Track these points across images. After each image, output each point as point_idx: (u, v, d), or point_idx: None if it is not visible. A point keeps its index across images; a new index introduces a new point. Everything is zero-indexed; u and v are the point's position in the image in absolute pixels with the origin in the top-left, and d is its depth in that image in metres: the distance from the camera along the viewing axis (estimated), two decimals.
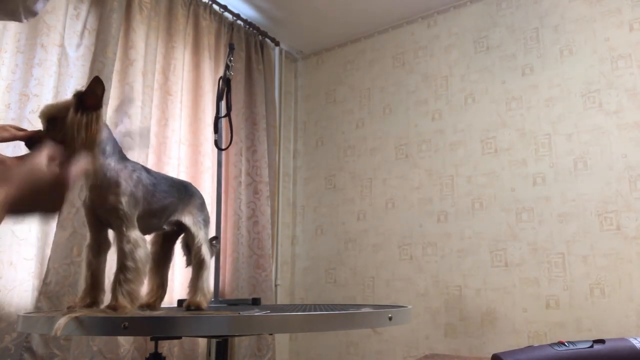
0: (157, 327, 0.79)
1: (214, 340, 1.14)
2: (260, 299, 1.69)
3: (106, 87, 1.88)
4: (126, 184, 0.94)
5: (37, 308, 1.61)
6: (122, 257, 0.91)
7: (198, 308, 1.06)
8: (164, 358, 1.42)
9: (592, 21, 2.22)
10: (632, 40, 2.11)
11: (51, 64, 1.79)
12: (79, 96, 0.86)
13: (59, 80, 1.81)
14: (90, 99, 0.86)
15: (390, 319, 0.91)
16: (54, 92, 1.78)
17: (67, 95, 1.84)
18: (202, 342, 2.12)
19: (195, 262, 1.09)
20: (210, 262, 1.13)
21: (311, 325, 0.86)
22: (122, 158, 0.98)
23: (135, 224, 0.94)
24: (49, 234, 1.72)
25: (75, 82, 1.89)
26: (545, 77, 2.30)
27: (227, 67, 1.76)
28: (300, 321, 0.84)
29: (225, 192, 2.46)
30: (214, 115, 1.84)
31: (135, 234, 0.92)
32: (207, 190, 2.31)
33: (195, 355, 2.08)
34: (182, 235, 1.15)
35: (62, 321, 0.74)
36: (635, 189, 1.99)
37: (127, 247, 0.90)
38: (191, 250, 1.11)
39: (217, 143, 1.77)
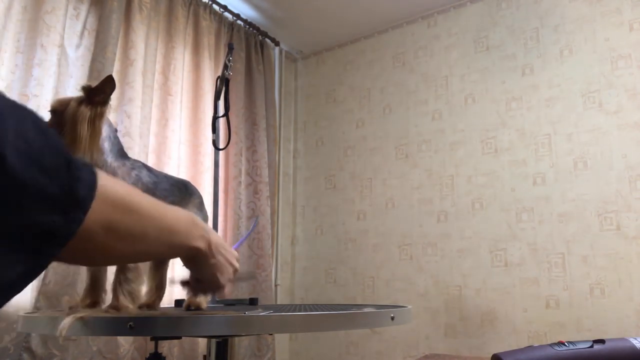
0: (163, 326, 0.78)
1: (214, 340, 1.14)
2: (257, 299, 1.69)
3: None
4: None
5: (36, 308, 1.61)
6: None
7: (198, 308, 1.06)
8: (164, 358, 1.41)
9: (592, 21, 2.22)
10: (632, 40, 2.11)
11: (51, 64, 1.79)
12: (87, 90, 0.87)
13: (58, 80, 1.81)
14: (98, 95, 0.87)
15: (392, 318, 0.91)
16: (53, 92, 1.78)
17: (67, 95, 1.84)
18: (202, 342, 2.11)
19: None
20: None
21: (313, 325, 0.86)
22: (122, 156, 0.97)
23: None
24: None
25: (75, 82, 1.89)
26: (545, 77, 2.29)
27: (226, 67, 1.76)
28: (302, 321, 0.84)
29: (225, 192, 2.46)
30: (212, 115, 1.84)
31: None
32: (207, 190, 2.31)
33: (195, 355, 2.08)
34: None
35: (66, 321, 0.74)
36: (635, 189, 1.99)
37: None
38: None
39: (214, 143, 1.77)
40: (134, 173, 0.97)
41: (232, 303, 1.70)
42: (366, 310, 0.95)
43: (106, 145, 0.94)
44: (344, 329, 0.88)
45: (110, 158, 0.93)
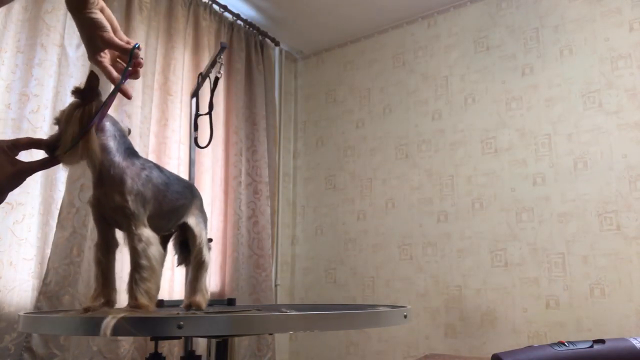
0: (212, 326, 0.77)
1: (214, 340, 1.14)
2: (235, 299, 1.65)
3: (106, 87, 1.88)
4: (132, 182, 0.89)
5: (37, 308, 1.61)
6: (135, 256, 0.87)
7: (198, 308, 1.05)
8: (164, 358, 1.41)
9: (592, 21, 2.22)
10: (632, 40, 2.11)
11: (51, 64, 1.79)
12: (77, 92, 0.86)
13: (59, 80, 1.81)
14: (89, 94, 0.86)
15: (405, 317, 0.94)
16: (53, 92, 1.78)
17: (67, 95, 1.84)
18: (202, 342, 2.12)
19: (196, 263, 1.08)
20: (209, 263, 1.12)
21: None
22: (131, 155, 0.93)
23: (145, 221, 0.90)
24: (49, 234, 1.72)
25: (76, 82, 1.89)
26: (545, 77, 2.30)
27: (213, 65, 1.75)
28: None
29: (225, 192, 2.46)
30: (195, 112, 1.83)
31: (146, 232, 0.89)
32: (207, 191, 2.31)
33: None
34: (174, 235, 1.12)
35: (109, 322, 0.71)
36: (635, 189, 1.99)
37: (140, 246, 0.87)
38: (191, 251, 1.10)
39: (196, 141, 1.77)
40: (144, 174, 0.92)
41: (209, 304, 1.68)
42: (378, 310, 0.96)
43: (112, 143, 0.90)
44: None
45: (117, 157, 0.89)
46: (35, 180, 1.71)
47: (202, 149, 2.32)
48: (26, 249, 1.67)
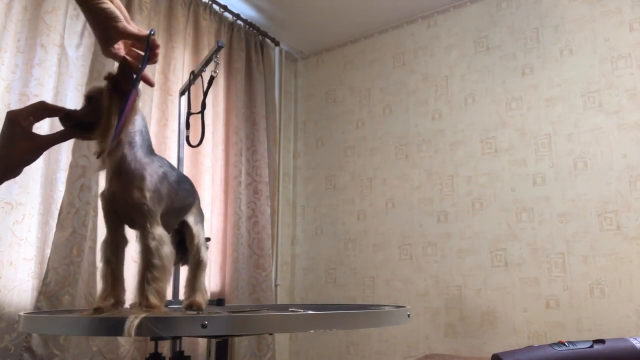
0: (235, 325, 0.77)
1: (214, 340, 1.14)
2: (224, 300, 1.65)
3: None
4: (151, 179, 0.89)
5: (37, 308, 1.61)
6: (147, 254, 0.86)
7: (199, 308, 1.05)
8: (164, 358, 1.41)
9: (592, 21, 2.22)
10: (632, 40, 2.11)
11: (51, 64, 1.79)
12: (111, 79, 0.82)
13: (58, 80, 1.81)
14: (123, 82, 0.81)
15: (408, 316, 0.95)
16: (54, 92, 1.78)
17: (67, 95, 1.84)
18: (202, 342, 2.11)
19: (194, 262, 1.08)
20: (207, 263, 1.12)
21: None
22: (150, 152, 0.93)
23: (159, 220, 0.89)
24: (49, 234, 1.72)
25: (75, 82, 1.89)
26: (545, 77, 2.30)
27: (207, 64, 1.74)
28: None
29: (225, 192, 2.46)
30: (186, 110, 1.83)
31: (159, 230, 0.88)
32: (207, 190, 2.31)
33: (196, 355, 2.08)
34: (171, 233, 1.12)
35: (133, 322, 0.70)
36: (635, 189, 1.99)
37: (153, 244, 0.86)
38: (189, 250, 1.09)
39: (188, 139, 1.77)
40: (161, 171, 0.92)
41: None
42: (381, 309, 0.97)
43: (137, 138, 0.89)
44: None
45: (140, 153, 0.89)
46: (35, 180, 1.71)
47: (203, 150, 2.33)
48: (26, 249, 1.67)
